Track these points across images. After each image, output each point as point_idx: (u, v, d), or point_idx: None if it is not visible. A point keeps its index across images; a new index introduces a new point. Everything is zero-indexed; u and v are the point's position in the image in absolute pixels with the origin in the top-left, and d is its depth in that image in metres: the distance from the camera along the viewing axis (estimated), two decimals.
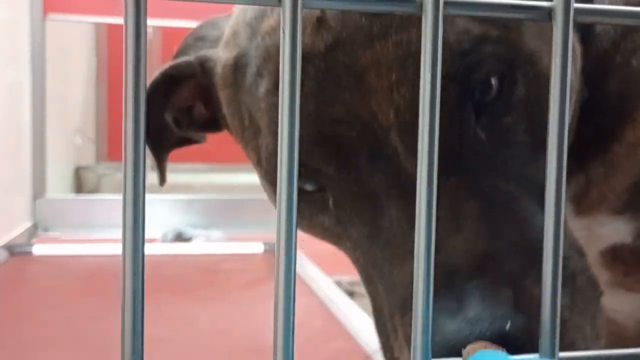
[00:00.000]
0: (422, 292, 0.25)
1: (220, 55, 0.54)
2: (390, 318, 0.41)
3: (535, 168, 0.42)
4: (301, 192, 0.48)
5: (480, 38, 0.41)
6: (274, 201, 0.52)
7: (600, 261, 0.59)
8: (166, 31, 3.51)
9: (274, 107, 0.45)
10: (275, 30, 0.45)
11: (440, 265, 0.38)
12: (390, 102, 0.41)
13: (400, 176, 0.42)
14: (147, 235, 0.26)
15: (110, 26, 3.37)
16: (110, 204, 2.40)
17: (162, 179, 0.71)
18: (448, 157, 0.40)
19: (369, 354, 1.17)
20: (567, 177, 0.56)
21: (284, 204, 0.24)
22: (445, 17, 0.22)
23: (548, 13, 0.24)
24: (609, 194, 0.55)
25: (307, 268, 1.67)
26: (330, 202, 0.47)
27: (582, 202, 0.56)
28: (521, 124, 0.42)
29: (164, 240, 2.24)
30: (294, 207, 0.24)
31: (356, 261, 0.47)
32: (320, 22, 0.43)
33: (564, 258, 0.38)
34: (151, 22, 2.64)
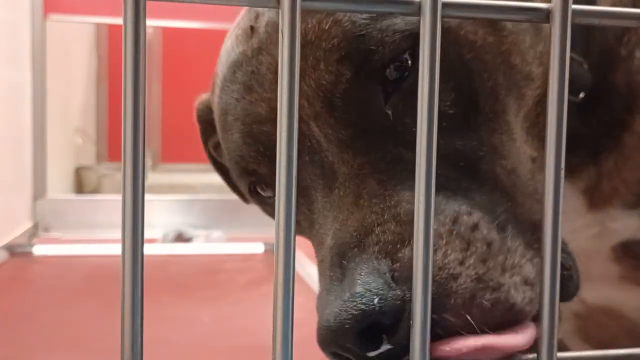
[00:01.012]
0: (420, 299, 0.25)
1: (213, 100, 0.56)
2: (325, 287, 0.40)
3: (467, 137, 0.42)
4: (263, 197, 0.51)
5: (376, 16, 0.41)
6: (252, 199, 0.53)
7: (611, 256, 0.59)
8: (167, 31, 3.51)
9: (239, 158, 0.48)
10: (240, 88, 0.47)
11: (336, 247, 0.39)
12: (301, 91, 0.42)
13: (324, 167, 0.43)
14: (147, 236, 0.26)
15: (111, 26, 3.37)
16: (111, 204, 2.40)
17: (246, 200, 0.77)
18: (355, 136, 0.41)
19: None
20: (579, 170, 0.56)
21: (282, 205, 0.24)
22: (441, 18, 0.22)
23: (546, 15, 0.24)
24: (621, 187, 0.55)
25: (307, 268, 1.67)
26: None
27: (594, 195, 0.56)
28: (445, 95, 0.41)
29: (165, 240, 2.24)
30: (292, 207, 0.24)
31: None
32: (252, 30, 0.46)
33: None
34: (152, 22, 2.64)
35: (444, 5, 0.22)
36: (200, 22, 2.46)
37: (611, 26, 0.54)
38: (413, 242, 0.35)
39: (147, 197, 0.25)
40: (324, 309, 0.36)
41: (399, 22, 0.41)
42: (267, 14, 0.46)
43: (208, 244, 2.19)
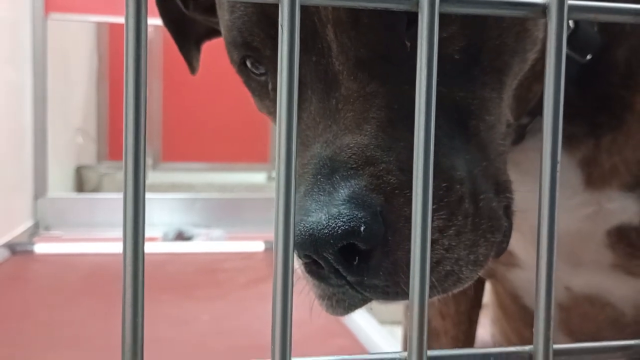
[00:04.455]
0: (418, 297, 0.25)
1: None
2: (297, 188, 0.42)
3: (465, 88, 0.42)
4: (251, 73, 0.49)
5: None
6: (238, 70, 0.51)
7: (606, 242, 0.59)
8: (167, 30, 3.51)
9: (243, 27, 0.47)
10: None
11: (328, 158, 0.39)
12: None
13: (328, 72, 0.42)
14: (148, 234, 0.26)
15: (112, 25, 3.37)
16: (112, 203, 2.40)
17: (192, 69, 0.73)
18: (373, 60, 0.41)
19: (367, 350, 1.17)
20: (576, 140, 0.56)
21: (281, 202, 0.24)
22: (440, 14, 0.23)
23: (542, 10, 0.24)
24: (621, 166, 0.55)
25: None
26: (269, 86, 0.49)
27: (592, 172, 0.56)
28: (457, 41, 0.42)
29: (165, 239, 2.24)
30: (291, 204, 0.25)
31: None
32: None
33: (454, 182, 0.40)
34: (153, 21, 2.64)
35: (442, 0, 0.23)
36: None
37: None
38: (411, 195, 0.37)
39: (147, 195, 0.25)
40: (307, 213, 0.38)
41: None
42: None
43: (208, 243, 2.19)
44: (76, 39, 3.33)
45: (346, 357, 0.27)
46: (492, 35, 0.43)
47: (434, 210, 0.38)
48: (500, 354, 0.26)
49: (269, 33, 0.45)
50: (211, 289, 1.62)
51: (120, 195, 0.25)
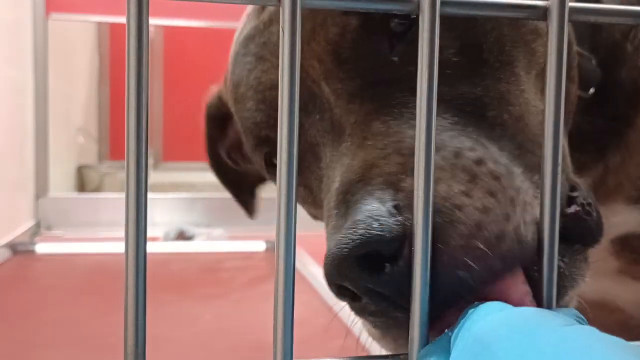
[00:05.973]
0: (419, 293, 0.25)
1: (226, 87, 0.57)
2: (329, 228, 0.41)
3: (463, 84, 0.42)
4: (273, 165, 0.50)
5: None
6: (268, 173, 0.52)
7: (610, 250, 0.60)
8: (168, 30, 3.51)
9: (254, 125, 0.49)
10: (259, 60, 0.48)
11: (342, 184, 0.39)
12: (312, 52, 0.43)
13: (333, 123, 0.43)
14: (150, 234, 0.26)
15: (113, 25, 3.38)
16: (113, 202, 2.40)
17: (251, 214, 0.77)
18: (363, 84, 0.42)
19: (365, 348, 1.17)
20: (587, 168, 0.57)
21: (283, 203, 0.25)
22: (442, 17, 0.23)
23: (544, 12, 0.24)
24: (625, 182, 0.56)
25: (309, 266, 1.67)
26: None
27: (599, 191, 0.56)
28: (452, 44, 0.42)
29: (167, 238, 2.24)
30: (293, 206, 0.25)
31: (316, 211, 0.49)
32: (264, 8, 0.48)
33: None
34: (153, 21, 2.64)
35: (443, 3, 0.23)
36: (201, 21, 2.46)
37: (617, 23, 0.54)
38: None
39: (149, 195, 0.25)
40: (329, 244, 0.36)
41: None
42: None
43: (210, 243, 2.19)
44: (77, 39, 3.33)
45: (348, 359, 0.27)
46: (487, 29, 0.43)
47: (449, 177, 0.36)
48: None
49: (271, 115, 0.47)
50: (212, 289, 1.62)
51: (122, 195, 0.25)
